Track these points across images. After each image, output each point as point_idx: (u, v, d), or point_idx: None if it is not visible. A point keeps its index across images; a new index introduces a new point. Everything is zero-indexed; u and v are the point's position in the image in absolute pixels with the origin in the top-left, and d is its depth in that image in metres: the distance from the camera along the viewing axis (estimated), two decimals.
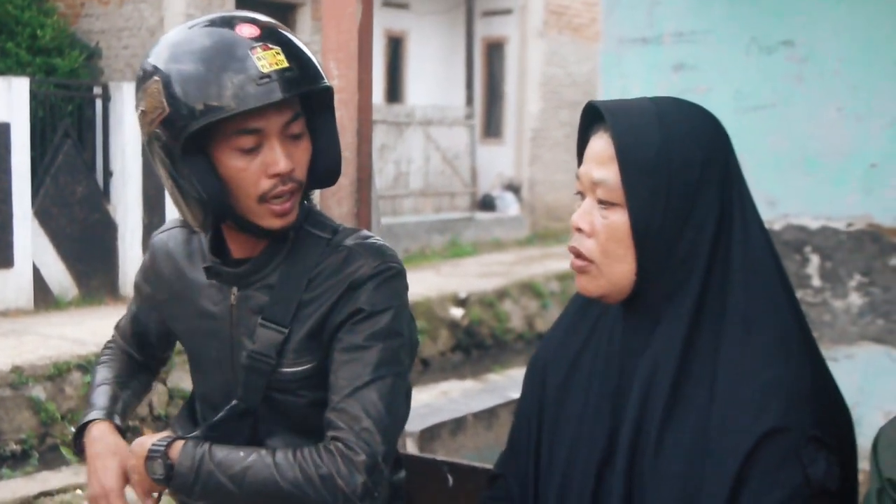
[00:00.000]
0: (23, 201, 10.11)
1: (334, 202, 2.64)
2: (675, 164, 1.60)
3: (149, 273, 2.11)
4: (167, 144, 1.78)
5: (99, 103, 11.10)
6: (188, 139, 1.76)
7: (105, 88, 11.15)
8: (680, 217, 1.61)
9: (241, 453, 1.82)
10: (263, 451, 1.82)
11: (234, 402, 1.90)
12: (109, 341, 2.25)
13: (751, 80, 3.83)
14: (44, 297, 10.41)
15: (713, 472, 1.55)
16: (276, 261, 1.91)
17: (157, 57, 1.80)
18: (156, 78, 1.78)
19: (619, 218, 1.63)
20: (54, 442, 7.71)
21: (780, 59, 3.77)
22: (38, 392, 7.97)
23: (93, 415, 2.04)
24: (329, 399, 1.83)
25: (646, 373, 1.64)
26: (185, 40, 1.80)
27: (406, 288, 1.93)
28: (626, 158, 1.61)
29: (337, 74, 2.59)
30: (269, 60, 1.74)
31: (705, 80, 3.89)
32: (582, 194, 1.69)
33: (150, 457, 1.85)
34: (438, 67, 17.90)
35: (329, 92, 1.88)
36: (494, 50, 18.52)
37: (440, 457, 2.70)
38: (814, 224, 3.73)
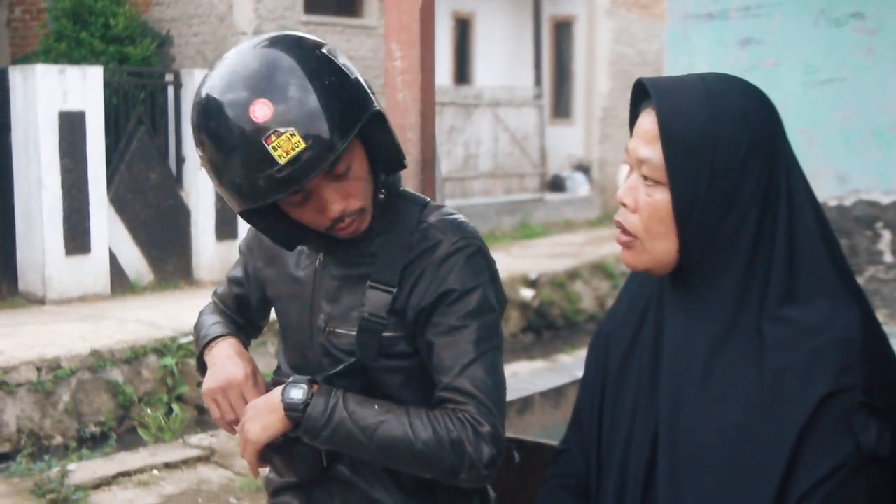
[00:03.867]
0: (98, 188, 10.30)
1: None
2: (721, 145, 1.59)
3: (252, 241, 2.20)
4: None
5: (171, 90, 11.26)
6: None
7: (177, 75, 11.31)
8: (724, 198, 1.60)
9: (376, 407, 1.87)
10: (397, 408, 1.87)
11: (352, 359, 1.94)
12: (211, 303, 2.31)
13: (820, 54, 3.77)
14: (120, 282, 10.61)
15: (769, 443, 1.55)
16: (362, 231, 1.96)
17: (195, 116, 1.82)
18: (199, 153, 1.84)
19: (663, 196, 1.62)
20: (132, 424, 7.86)
21: (850, 31, 3.71)
22: (116, 375, 8.13)
23: (219, 332, 2.13)
24: (437, 380, 1.89)
25: (682, 348, 1.64)
26: (211, 112, 1.79)
27: (490, 262, 1.97)
28: (669, 138, 1.60)
29: (400, 56, 2.61)
30: (284, 148, 1.73)
31: (773, 55, 3.83)
32: (630, 168, 1.70)
33: (294, 382, 1.88)
34: (506, 48, 17.86)
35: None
36: (562, 29, 18.44)
37: (507, 434, 2.72)
38: (885, 199, 3.67)
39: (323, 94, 1.76)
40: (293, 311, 2.07)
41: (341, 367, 1.94)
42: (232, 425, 2.01)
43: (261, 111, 1.73)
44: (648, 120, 1.66)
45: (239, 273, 2.25)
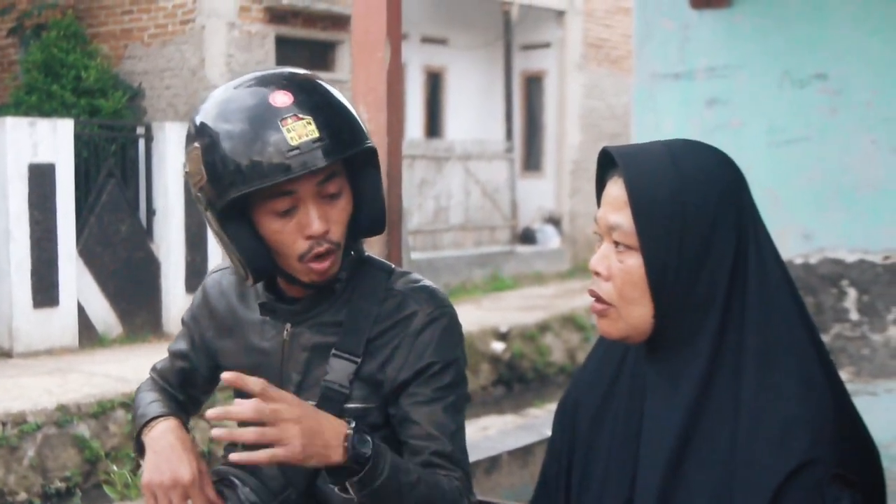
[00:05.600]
0: (67, 240, 10.24)
1: (365, 245, 2.66)
2: (690, 208, 1.61)
3: (200, 310, 2.14)
4: (209, 207, 1.85)
5: (142, 143, 11.25)
6: (227, 205, 1.82)
7: (148, 128, 11.30)
8: (696, 260, 1.61)
9: (410, 466, 1.84)
10: (419, 468, 1.86)
11: None
12: (149, 379, 2.23)
13: (784, 114, 3.83)
14: (88, 335, 10.52)
15: None
16: (331, 300, 1.95)
17: (201, 118, 1.86)
18: (196, 144, 1.84)
19: (635, 262, 1.63)
20: (98, 480, 7.77)
21: (814, 92, 3.77)
22: (83, 430, 8.04)
23: (158, 412, 2.03)
24: (420, 447, 1.90)
25: (660, 414, 1.64)
26: (225, 107, 1.84)
27: (461, 329, 2.01)
28: (639, 204, 1.62)
29: (367, 118, 2.61)
30: (298, 132, 1.77)
31: (738, 115, 3.89)
32: (600, 237, 1.71)
33: (358, 428, 1.74)
34: (477, 102, 17.96)
35: (370, 150, 1.92)
36: (533, 83, 18.56)
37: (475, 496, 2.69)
38: (850, 257, 3.71)
39: (337, 105, 1.85)
40: None
41: None
42: None
43: (280, 99, 1.79)
44: (616, 187, 1.67)
45: (183, 346, 2.17)
